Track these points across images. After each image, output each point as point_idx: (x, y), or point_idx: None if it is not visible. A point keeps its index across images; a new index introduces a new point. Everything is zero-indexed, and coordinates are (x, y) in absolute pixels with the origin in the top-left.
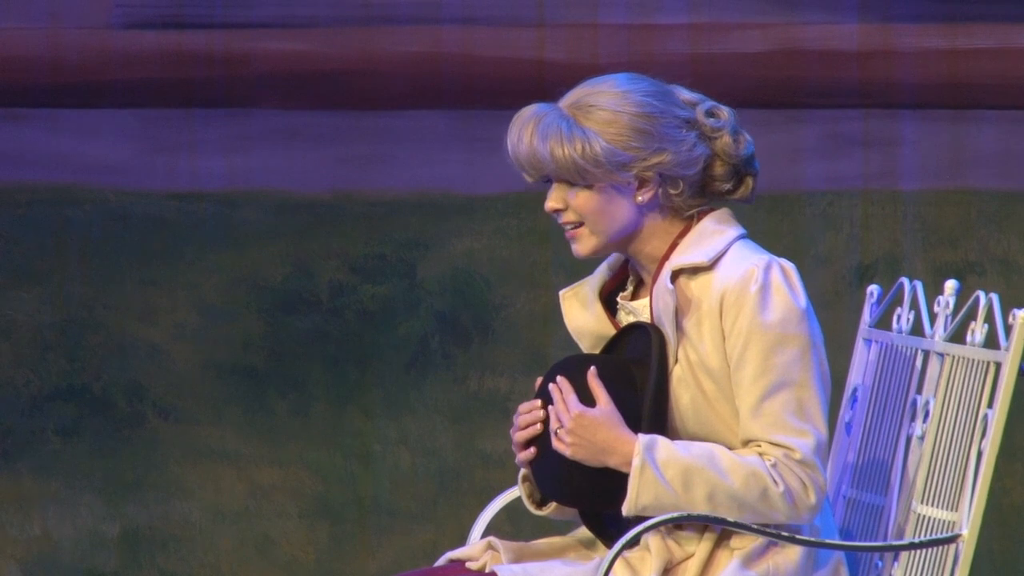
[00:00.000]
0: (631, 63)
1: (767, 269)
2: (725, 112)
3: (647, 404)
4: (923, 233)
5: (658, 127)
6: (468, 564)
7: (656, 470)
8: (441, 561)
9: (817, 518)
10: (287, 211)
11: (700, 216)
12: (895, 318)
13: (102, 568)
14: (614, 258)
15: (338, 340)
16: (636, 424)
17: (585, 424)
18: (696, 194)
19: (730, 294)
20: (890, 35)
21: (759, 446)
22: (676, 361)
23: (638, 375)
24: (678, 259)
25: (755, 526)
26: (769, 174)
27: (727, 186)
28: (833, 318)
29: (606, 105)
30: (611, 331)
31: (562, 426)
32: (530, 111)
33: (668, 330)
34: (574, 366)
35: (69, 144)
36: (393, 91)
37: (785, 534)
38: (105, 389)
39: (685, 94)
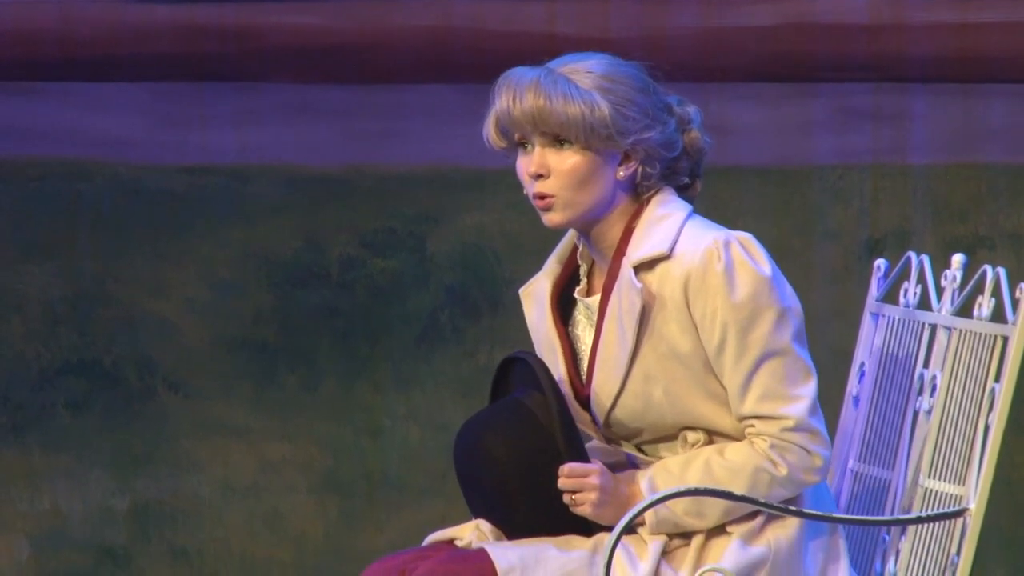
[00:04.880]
0: (642, 37)
1: (726, 247)
2: (695, 109)
3: (560, 439)
4: (933, 207)
5: (650, 102)
6: (456, 543)
7: (668, 509)
8: (426, 543)
9: (814, 488)
10: (298, 185)
11: (648, 199)
12: (902, 292)
13: (111, 542)
14: (562, 248)
15: (348, 314)
16: (557, 458)
17: (606, 480)
18: (661, 179)
19: (694, 279)
20: (900, 8)
21: (752, 425)
22: (635, 360)
23: (536, 408)
24: (636, 253)
25: (762, 500)
26: (779, 148)
27: (684, 180)
28: (842, 292)
29: (604, 72)
30: (555, 335)
31: (580, 490)
32: (523, 70)
33: (630, 328)
34: (475, 432)
35: (80, 118)
36: (404, 65)
37: (792, 508)
38: (115, 363)
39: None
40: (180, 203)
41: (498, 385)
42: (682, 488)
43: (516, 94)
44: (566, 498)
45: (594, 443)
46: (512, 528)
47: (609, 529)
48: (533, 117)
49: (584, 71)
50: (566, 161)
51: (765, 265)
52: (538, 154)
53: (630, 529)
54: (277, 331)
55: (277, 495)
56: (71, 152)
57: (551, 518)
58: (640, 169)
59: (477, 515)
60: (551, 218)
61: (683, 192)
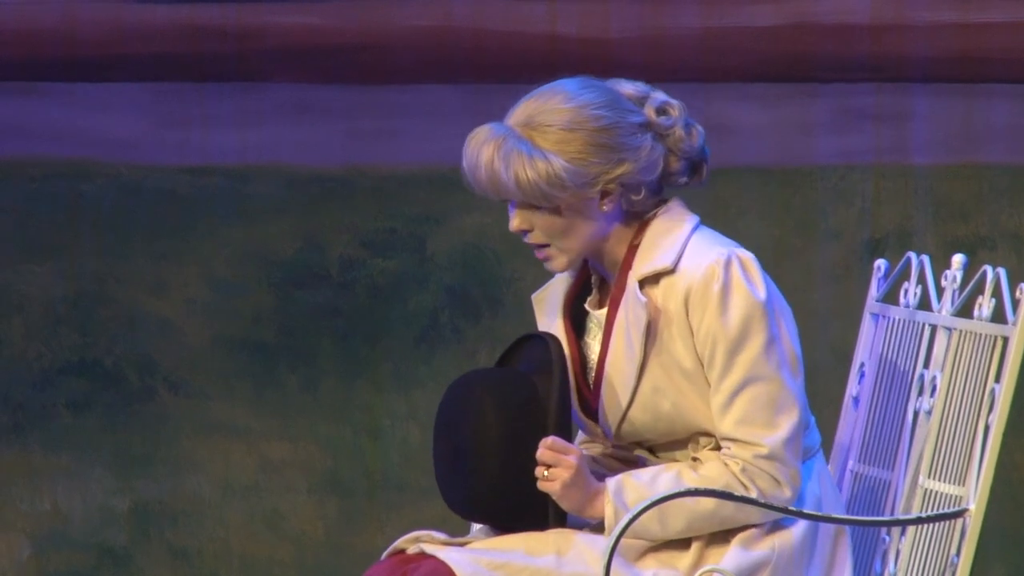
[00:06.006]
0: (642, 37)
1: (727, 266)
2: (676, 107)
3: (553, 418)
4: (934, 207)
5: (616, 139)
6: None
7: (629, 513)
8: (383, 556)
9: (820, 489)
10: (298, 185)
11: (653, 214)
12: (903, 292)
13: (112, 542)
14: None
15: (348, 314)
16: (543, 434)
17: (583, 464)
18: (655, 193)
19: (695, 293)
20: (902, 9)
21: (728, 448)
22: (643, 374)
23: (540, 385)
24: (641, 268)
25: (762, 500)
26: (780, 148)
27: (683, 179)
28: (844, 292)
29: (562, 123)
30: (566, 345)
31: (553, 465)
32: (484, 135)
33: (637, 341)
34: (472, 383)
35: (82, 118)
36: (404, 65)
37: (792, 508)
38: (116, 363)
39: (628, 88)
40: (181, 203)
41: (507, 357)
42: (682, 488)
43: (476, 163)
44: (538, 471)
45: (589, 451)
46: (468, 490)
47: (563, 524)
48: (492, 190)
49: (545, 124)
50: (543, 218)
51: (761, 290)
52: (516, 214)
53: (588, 524)
54: (277, 331)
55: (277, 495)
56: (72, 152)
57: (514, 488)
58: (623, 199)
59: (437, 464)
60: (553, 266)
61: (687, 185)
